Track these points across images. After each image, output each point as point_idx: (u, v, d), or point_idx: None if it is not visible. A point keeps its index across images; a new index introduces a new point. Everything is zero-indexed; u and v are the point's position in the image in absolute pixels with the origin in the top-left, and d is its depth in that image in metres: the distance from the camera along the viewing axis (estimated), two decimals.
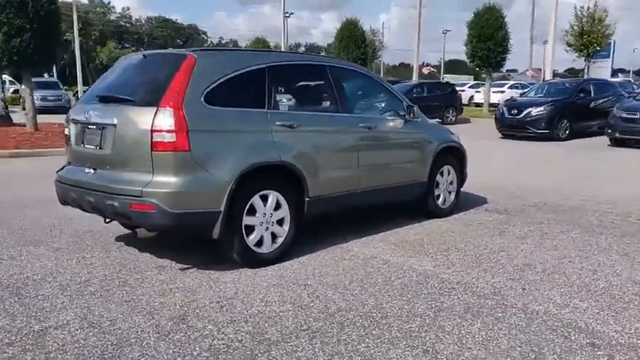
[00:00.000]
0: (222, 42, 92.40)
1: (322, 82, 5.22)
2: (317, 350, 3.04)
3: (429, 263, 4.62)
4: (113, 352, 3.00)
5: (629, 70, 69.07)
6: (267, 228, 4.51)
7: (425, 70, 59.52)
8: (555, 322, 3.42)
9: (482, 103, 28.11)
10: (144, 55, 4.78)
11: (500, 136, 16.34)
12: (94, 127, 4.41)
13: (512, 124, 15.69)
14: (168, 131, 3.96)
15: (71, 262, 4.58)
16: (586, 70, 25.55)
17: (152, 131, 3.97)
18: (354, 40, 28.97)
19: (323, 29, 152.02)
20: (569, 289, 4.00)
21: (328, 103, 5.24)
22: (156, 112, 3.98)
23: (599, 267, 4.54)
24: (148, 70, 4.64)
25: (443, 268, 4.51)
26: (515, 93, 26.99)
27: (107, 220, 4.81)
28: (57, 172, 4.97)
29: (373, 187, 5.46)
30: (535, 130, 14.94)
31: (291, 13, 43.92)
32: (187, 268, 4.42)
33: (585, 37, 23.56)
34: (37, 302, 3.72)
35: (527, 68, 56.77)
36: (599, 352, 3.03)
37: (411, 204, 6.24)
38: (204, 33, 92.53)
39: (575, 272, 4.39)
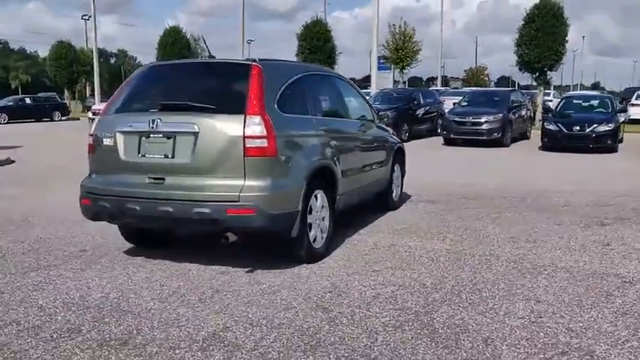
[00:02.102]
0: None
1: (333, 90, 5.76)
2: (466, 311, 3.67)
3: (442, 244, 5.45)
4: (317, 338, 3.27)
5: (405, 82, 78.46)
6: (319, 225, 4.90)
7: None
8: (586, 272, 4.52)
9: None
10: (189, 64, 4.79)
11: None
12: (161, 135, 4.34)
13: None
14: (259, 137, 4.17)
15: (121, 279, 4.42)
16: (401, 81, 29.15)
17: (244, 137, 4.14)
18: (179, 47, 28.68)
19: (102, 33, 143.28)
20: (562, 251, 5.18)
21: (338, 109, 5.80)
22: (245, 119, 4.16)
23: (557, 233, 5.84)
24: (205, 79, 4.70)
25: (458, 246, 5.37)
26: None
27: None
28: (83, 184, 4.68)
29: (366, 184, 6.14)
30: None
31: (90, 16, 41.31)
32: (250, 271, 4.57)
33: (400, 51, 26.90)
34: (158, 315, 3.67)
35: None
36: (637, 286, 4.18)
37: (374, 200, 7.01)
38: None
39: (550, 239, 5.62)
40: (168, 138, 4.34)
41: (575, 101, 17.14)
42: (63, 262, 4.90)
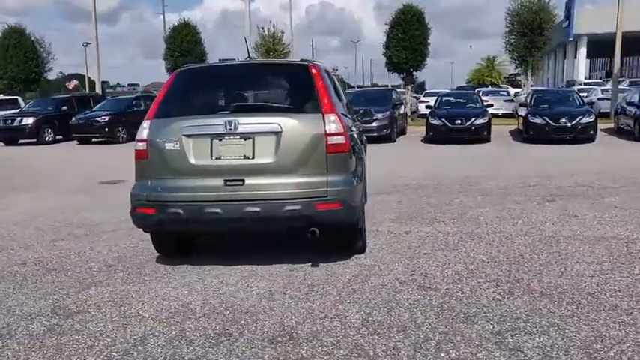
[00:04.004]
0: None
1: (342, 89, 6.03)
2: (547, 276, 4.27)
3: (449, 227, 6.03)
4: (460, 310, 3.64)
5: None
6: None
7: (70, 86, 55.65)
8: (590, 237, 5.39)
9: None
10: (243, 65, 4.76)
11: None
12: (238, 137, 4.28)
13: None
14: (337, 134, 4.36)
15: (197, 286, 4.34)
16: None
17: (326, 135, 4.29)
18: (24, 51, 26.17)
19: None
20: (551, 223, 6.06)
21: (348, 106, 6.07)
22: (323, 118, 4.31)
23: (527, 210, 6.73)
24: (267, 80, 4.71)
25: (465, 228, 5.99)
26: None
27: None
28: (139, 193, 4.42)
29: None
30: None
31: None
32: (315, 265, 4.72)
33: (271, 54, 27.24)
34: (286, 312, 3.75)
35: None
36: (638, 244, 5.13)
37: None
38: None
39: (528, 215, 6.48)
40: (246, 139, 4.31)
41: (445, 98, 19.02)
42: (106, 278, 4.62)
